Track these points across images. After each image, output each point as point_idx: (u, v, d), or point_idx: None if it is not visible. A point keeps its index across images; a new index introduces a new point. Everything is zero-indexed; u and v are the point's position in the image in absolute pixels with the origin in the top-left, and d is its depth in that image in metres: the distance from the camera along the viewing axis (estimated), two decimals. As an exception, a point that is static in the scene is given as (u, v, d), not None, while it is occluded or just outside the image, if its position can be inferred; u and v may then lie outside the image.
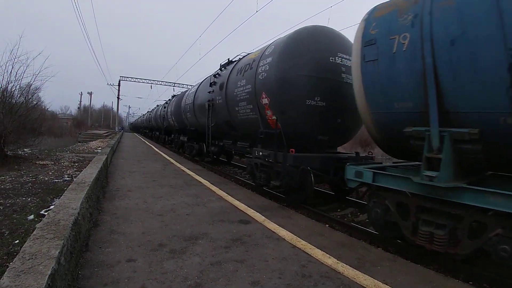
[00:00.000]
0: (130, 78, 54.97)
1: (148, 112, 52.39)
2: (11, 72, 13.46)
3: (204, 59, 37.28)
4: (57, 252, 2.53)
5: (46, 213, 5.89)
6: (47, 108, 24.78)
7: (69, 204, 3.94)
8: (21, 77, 14.01)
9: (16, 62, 13.39)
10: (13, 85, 13.79)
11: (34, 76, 14.29)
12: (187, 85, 52.48)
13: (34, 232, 2.93)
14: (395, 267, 3.68)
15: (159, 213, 5.31)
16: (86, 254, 3.52)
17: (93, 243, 3.87)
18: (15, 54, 13.42)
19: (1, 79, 13.36)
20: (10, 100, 13.48)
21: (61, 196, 7.01)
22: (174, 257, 3.55)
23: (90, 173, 6.45)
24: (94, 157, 15.01)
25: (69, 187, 5.17)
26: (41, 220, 5.40)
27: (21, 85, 14.33)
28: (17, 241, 4.53)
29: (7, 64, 13.25)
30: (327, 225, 5.90)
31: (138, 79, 55.19)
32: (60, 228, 3.02)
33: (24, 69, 13.81)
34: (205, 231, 4.49)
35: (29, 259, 2.41)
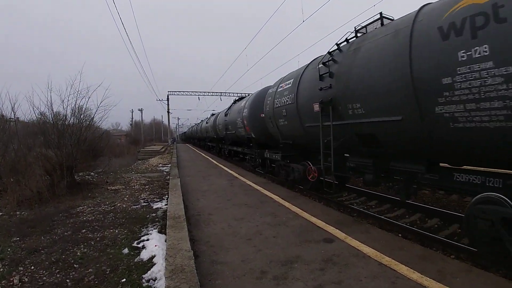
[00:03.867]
0: (178, 92, 56.84)
1: (196, 124, 54.53)
2: (74, 106, 14.48)
3: (255, 67, 38.22)
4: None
5: (139, 245, 6.21)
6: (104, 130, 26.27)
7: (179, 245, 4.52)
8: (84, 109, 15.05)
9: (78, 97, 14.37)
10: (77, 117, 14.85)
11: (97, 107, 15.25)
12: (236, 93, 54.00)
13: (167, 284, 3.47)
14: (472, 277, 4.05)
15: (247, 237, 5.84)
16: (202, 290, 3.99)
17: (201, 276, 4.25)
18: (76, 89, 14.36)
19: (65, 113, 14.43)
20: (77, 131, 14.45)
21: (147, 226, 7.57)
22: (279, 283, 4.05)
23: (176, 203, 7.10)
24: (162, 177, 15.97)
25: (168, 224, 5.77)
26: (137, 254, 5.80)
27: (85, 116, 15.37)
28: (124, 279, 4.78)
29: (69, 98, 14.22)
30: (400, 235, 6.29)
31: (186, 92, 56.96)
32: (188, 276, 3.58)
33: (86, 101, 14.79)
34: (297, 254, 4.99)
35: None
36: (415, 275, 4.12)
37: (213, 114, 34.32)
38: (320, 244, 5.40)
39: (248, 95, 19.78)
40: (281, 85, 11.62)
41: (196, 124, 57.17)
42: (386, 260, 4.63)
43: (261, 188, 10.65)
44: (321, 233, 5.94)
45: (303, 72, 10.03)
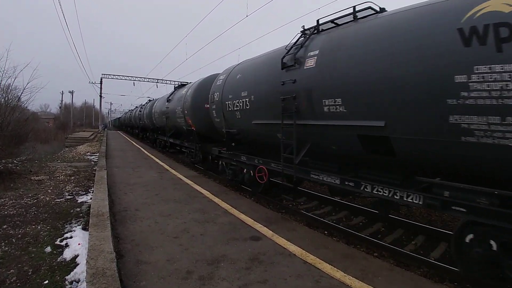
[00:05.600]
0: (112, 76, 55.09)
1: (130, 110, 52.80)
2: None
3: (194, 57, 37.60)
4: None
5: (62, 243, 5.80)
6: (30, 113, 24.71)
7: (102, 246, 4.30)
8: (9, 90, 14.04)
9: (3, 77, 13.36)
10: (1, 98, 13.80)
11: (23, 89, 14.27)
12: (173, 81, 53.50)
13: (87, 288, 3.29)
14: (393, 276, 4.27)
15: (174, 235, 5.70)
16: (126, 292, 3.82)
17: (126, 277, 4.13)
18: (2, 68, 13.33)
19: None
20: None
21: (71, 222, 7.17)
22: (205, 283, 3.99)
23: (101, 199, 6.77)
24: (90, 167, 15.27)
25: (90, 222, 5.48)
26: (59, 253, 5.44)
27: (9, 98, 14.33)
28: (47, 281, 4.52)
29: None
30: (326, 232, 6.49)
31: (121, 76, 55.35)
32: (110, 280, 3.40)
33: (12, 82, 13.80)
34: (223, 253, 4.95)
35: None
36: (338, 274, 4.26)
37: (150, 100, 31.41)
38: (247, 242, 5.42)
39: (188, 83, 17.63)
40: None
41: (130, 110, 55.32)
42: (311, 258, 4.74)
43: (192, 183, 10.49)
44: (249, 231, 5.97)
45: None
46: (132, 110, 49.51)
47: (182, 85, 18.23)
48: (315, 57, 6.43)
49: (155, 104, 23.96)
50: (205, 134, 13.37)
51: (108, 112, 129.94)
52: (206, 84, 12.75)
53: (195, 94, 13.34)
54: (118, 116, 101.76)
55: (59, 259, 5.25)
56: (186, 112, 14.15)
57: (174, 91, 18.58)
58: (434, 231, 6.46)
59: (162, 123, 20.31)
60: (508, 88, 3.85)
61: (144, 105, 32.92)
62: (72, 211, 7.97)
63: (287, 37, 8.18)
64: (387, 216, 6.90)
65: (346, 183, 6.05)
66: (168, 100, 18.48)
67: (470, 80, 4.15)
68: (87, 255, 4.15)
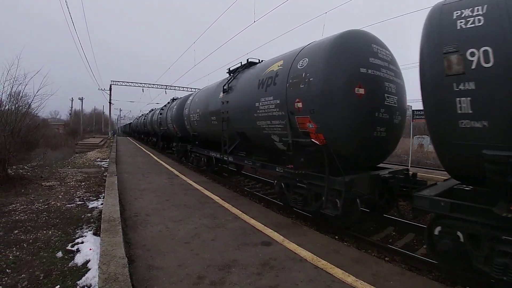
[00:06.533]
0: (121, 82, 55.70)
1: (143, 114, 51.69)
2: (10, 93, 13.54)
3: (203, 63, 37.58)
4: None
5: (73, 248, 5.83)
6: (40, 116, 24.97)
7: (113, 251, 4.32)
8: (20, 96, 14.15)
9: (14, 83, 13.45)
10: (12, 105, 13.88)
11: (34, 95, 14.37)
12: (182, 87, 53.83)
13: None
14: (405, 281, 4.25)
15: (185, 240, 5.71)
16: (137, 298, 3.83)
17: (137, 282, 4.13)
18: (12, 75, 13.42)
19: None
20: (11, 121, 13.49)
21: (82, 227, 7.22)
22: (217, 289, 4.01)
23: (112, 204, 6.81)
24: (100, 173, 15.36)
25: (102, 227, 5.51)
26: (71, 258, 5.46)
27: (21, 104, 14.43)
28: (58, 286, 4.55)
29: (5, 84, 13.29)
30: (336, 237, 6.48)
31: (130, 83, 55.97)
32: (122, 285, 3.42)
33: (23, 89, 13.90)
34: (234, 258, 4.95)
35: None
36: (350, 279, 4.24)
37: (174, 99, 23.21)
38: (258, 247, 5.41)
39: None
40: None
41: (143, 114, 49.98)
42: (322, 263, 4.73)
43: (202, 188, 10.51)
44: (259, 236, 5.96)
45: None
46: (147, 113, 40.46)
47: (250, 64, 10.95)
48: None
49: (190, 101, 16.63)
50: (360, 155, 6.63)
51: (117, 119, 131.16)
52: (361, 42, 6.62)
53: (332, 64, 6.40)
54: (128, 122, 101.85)
55: (70, 264, 5.28)
56: (302, 105, 6.86)
57: (234, 75, 11.26)
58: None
59: (209, 129, 13.32)
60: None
61: (166, 106, 24.82)
62: (83, 216, 8.01)
63: (295, 42, 8.19)
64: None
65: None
66: (226, 90, 11.04)
67: None
68: (99, 260, 4.17)
